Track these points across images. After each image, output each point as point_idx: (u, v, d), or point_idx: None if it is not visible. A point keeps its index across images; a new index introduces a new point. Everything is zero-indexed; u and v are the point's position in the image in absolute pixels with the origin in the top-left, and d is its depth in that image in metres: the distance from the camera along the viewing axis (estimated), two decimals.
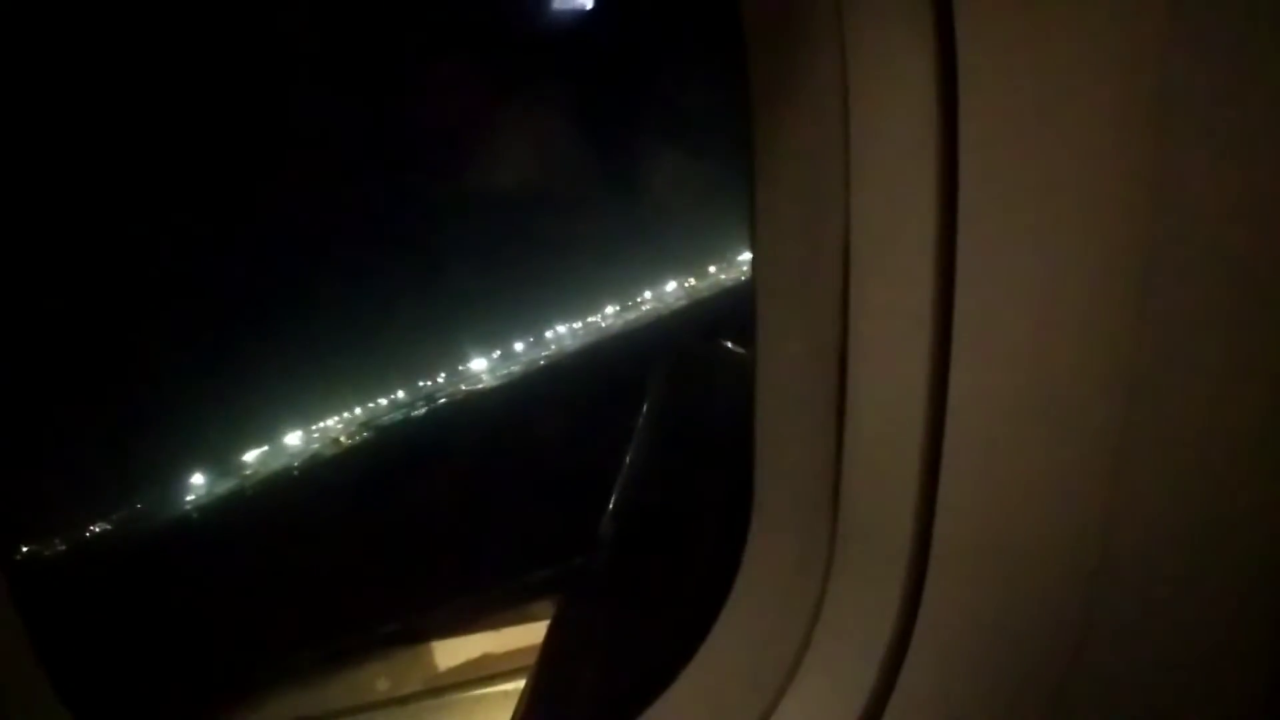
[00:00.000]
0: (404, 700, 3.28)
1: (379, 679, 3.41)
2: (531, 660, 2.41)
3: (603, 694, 1.69)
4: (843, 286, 0.91)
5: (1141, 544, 0.64)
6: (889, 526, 0.86)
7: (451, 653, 3.43)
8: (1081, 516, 0.66)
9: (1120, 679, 0.68)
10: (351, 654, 3.52)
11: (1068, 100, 0.63)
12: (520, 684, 3.18)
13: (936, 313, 0.77)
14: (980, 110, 0.71)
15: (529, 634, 3.25)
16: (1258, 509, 0.58)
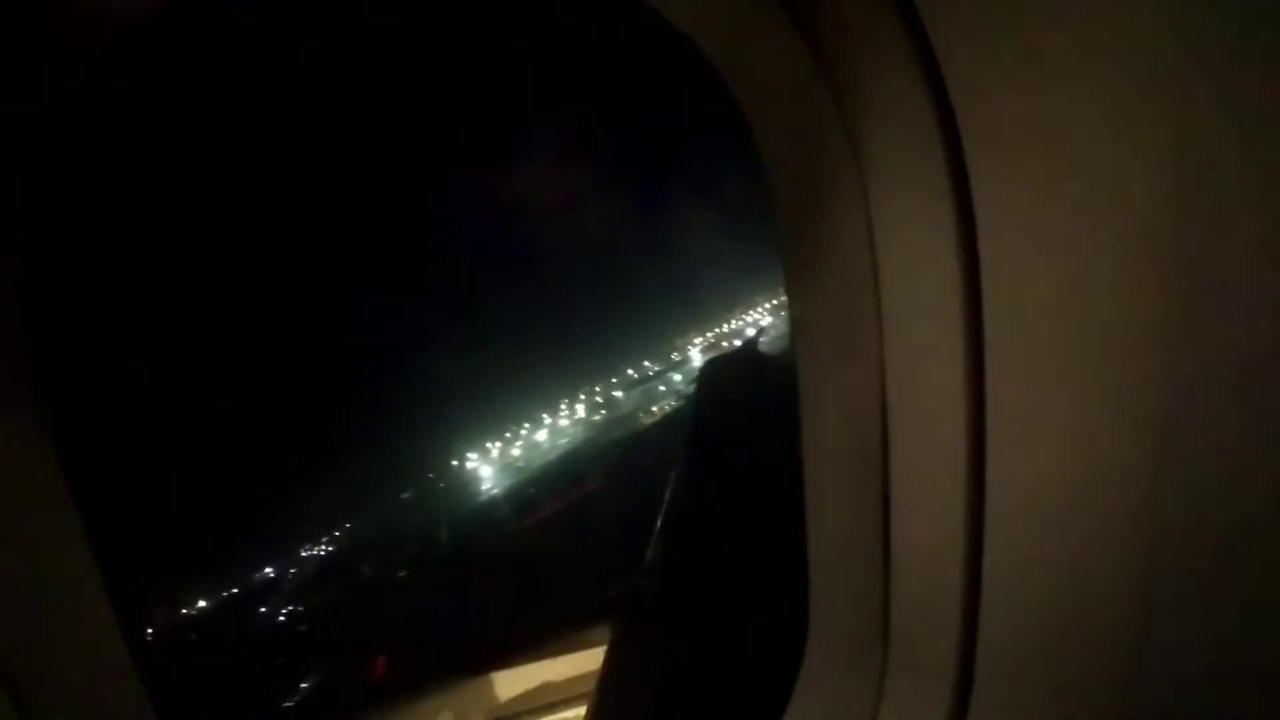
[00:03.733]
0: None
1: (442, 711, 3.46)
2: (589, 687, 2.41)
3: (661, 716, 1.68)
4: (882, 431, 0.96)
5: (1179, 642, 0.64)
6: (936, 629, 0.90)
7: (512, 683, 3.45)
8: (1119, 619, 0.67)
9: None
10: (415, 685, 3.59)
11: (1079, 263, 0.65)
12: (579, 711, 3.18)
13: (970, 446, 0.81)
14: (998, 261, 0.73)
15: (587, 661, 3.25)
16: None
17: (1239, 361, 0.56)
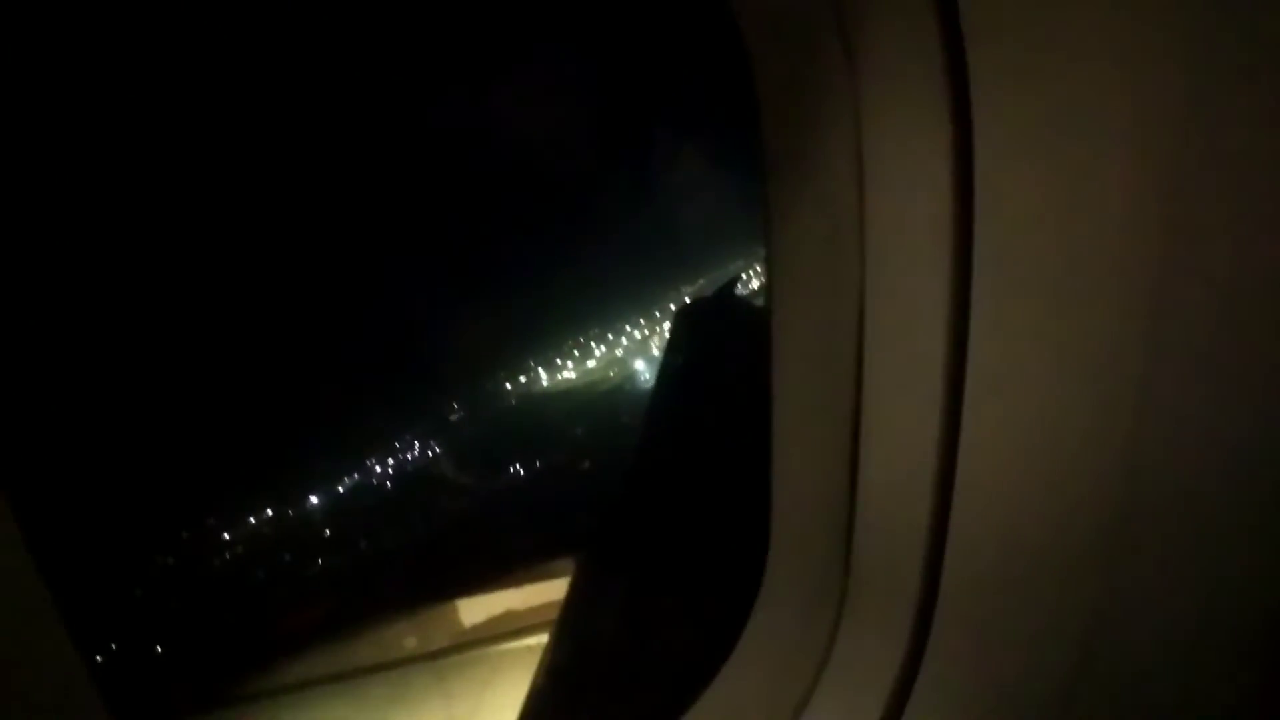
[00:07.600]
0: (432, 656, 3.40)
1: (407, 637, 3.52)
2: (553, 615, 2.47)
3: (623, 646, 1.72)
4: (856, 363, 0.93)
5: (1145, 597, 0.64)
6: (899, 567, 0.89)
7: (476, 610, 3.53)
8: (1085, 559, 0.66)
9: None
10: (381, 612, 3.64)
11: (1080, 181, 0.62)
12: (543, 638, 3.28)
13: (949, 365, 0.78)
14: (995, 186, 0.69)
15: (550, 590, 3.33)
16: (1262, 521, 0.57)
17: (1220, 330, 0.56)
